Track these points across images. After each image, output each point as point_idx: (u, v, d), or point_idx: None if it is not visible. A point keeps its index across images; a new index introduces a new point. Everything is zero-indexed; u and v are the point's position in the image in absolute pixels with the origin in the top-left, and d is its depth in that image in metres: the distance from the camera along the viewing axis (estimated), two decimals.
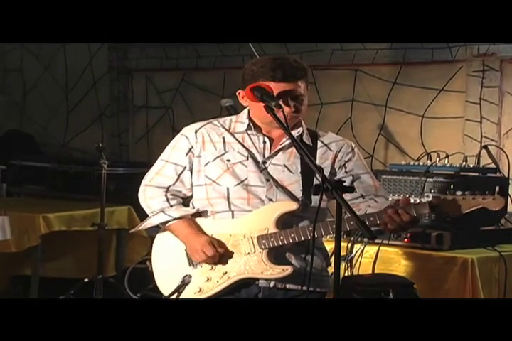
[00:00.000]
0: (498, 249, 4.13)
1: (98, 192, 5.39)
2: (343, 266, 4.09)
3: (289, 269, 3.12)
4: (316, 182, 3.14)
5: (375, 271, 4.10)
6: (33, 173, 6.60)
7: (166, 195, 3.25)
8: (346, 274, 4.10)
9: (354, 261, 4.15)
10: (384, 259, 4.13)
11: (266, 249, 3.14)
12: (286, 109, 3.09)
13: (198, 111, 6.61)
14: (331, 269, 3.22)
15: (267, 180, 3.17)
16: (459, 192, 3.07)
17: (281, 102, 3.06)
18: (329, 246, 3.95)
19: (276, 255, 3.16)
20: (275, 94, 3.08)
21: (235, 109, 4.41)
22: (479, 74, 5.25)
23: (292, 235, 3.11)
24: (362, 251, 4.14)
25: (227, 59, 6.44)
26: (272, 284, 3.18)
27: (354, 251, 4.15)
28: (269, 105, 3.03)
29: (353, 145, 3.32)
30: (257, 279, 3.17)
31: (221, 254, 3.15)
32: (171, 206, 3.24)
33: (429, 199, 3.08)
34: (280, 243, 3.12)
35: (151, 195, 3.27)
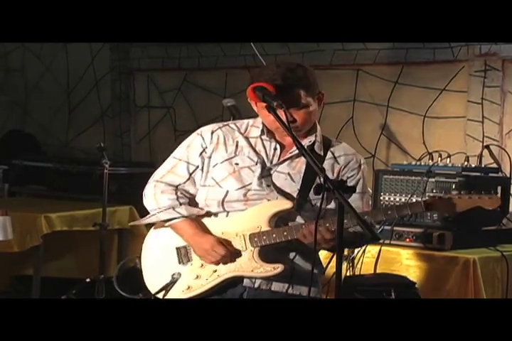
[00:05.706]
0: (500, 248, 4.13)
1: (100, 192, 5.38)
2: (345, 265, 4.09)
3: (279, 267, 3.10)
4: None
5: (377, 271, 4.11)
6: (34, 173, 6.59)
7: (176, 193, 3.25)
8: (348, 274, 4.11)
9: (356, 261, 4.15)
10: (386, 259, 4.13)
11: (257, 247, 3.12)
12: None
13: (200, 111, 6.61)
14: (331, 269, 3.21)
15: (268, 186, 3.16)
16: (454, 192, 3.05)
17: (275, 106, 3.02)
18: None
19: (267, 254, 3.13)
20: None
21: (237, 109, 4.42)
22: (481, 74, 5.25)
23: (285, 233, 3.08)
24: (364, 251, 4.14)
25: (228, 59, 6.43)
26: (256, 284, 3.16)
27: (356, 251, 4.15)
28: (271, 105, 3.01)
29: (362, 161, 3.28)
30: (247, 277, 3.15)
31: (231, 253, 3.14)
32: (180, 204, 3.23)
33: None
34: (272, 241, 3.10)
35: (161, 191, 3.25)
